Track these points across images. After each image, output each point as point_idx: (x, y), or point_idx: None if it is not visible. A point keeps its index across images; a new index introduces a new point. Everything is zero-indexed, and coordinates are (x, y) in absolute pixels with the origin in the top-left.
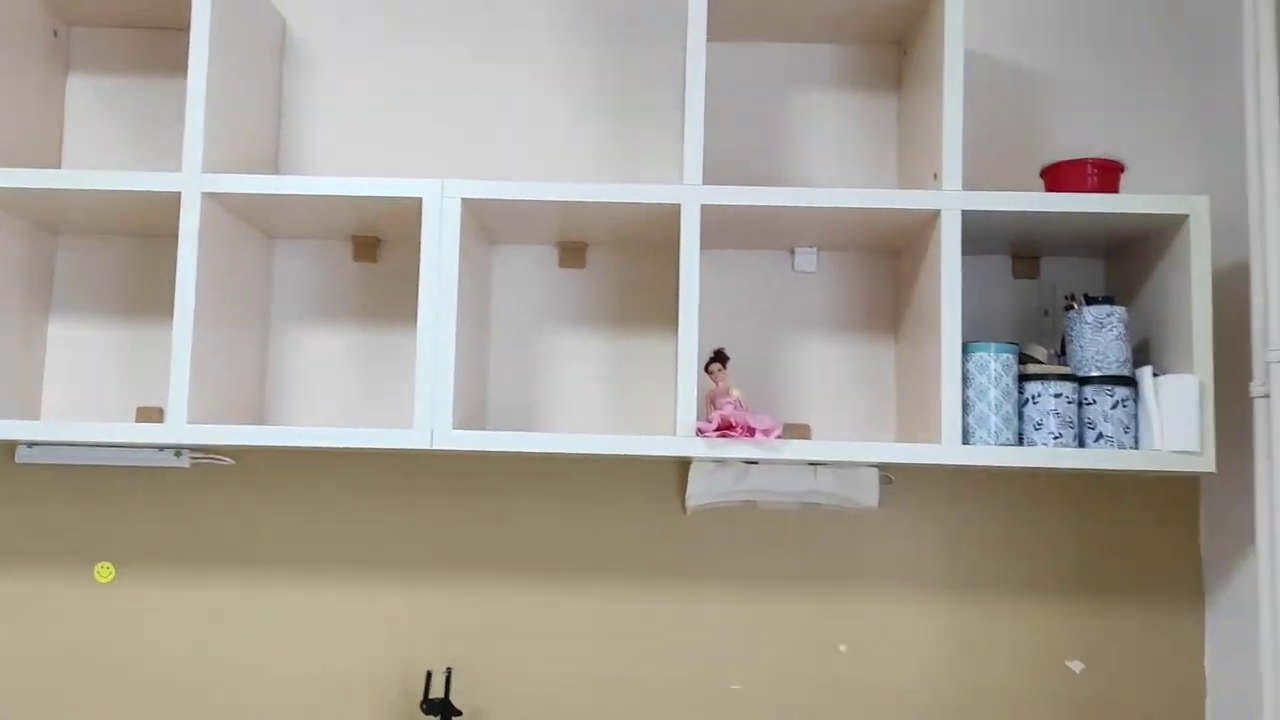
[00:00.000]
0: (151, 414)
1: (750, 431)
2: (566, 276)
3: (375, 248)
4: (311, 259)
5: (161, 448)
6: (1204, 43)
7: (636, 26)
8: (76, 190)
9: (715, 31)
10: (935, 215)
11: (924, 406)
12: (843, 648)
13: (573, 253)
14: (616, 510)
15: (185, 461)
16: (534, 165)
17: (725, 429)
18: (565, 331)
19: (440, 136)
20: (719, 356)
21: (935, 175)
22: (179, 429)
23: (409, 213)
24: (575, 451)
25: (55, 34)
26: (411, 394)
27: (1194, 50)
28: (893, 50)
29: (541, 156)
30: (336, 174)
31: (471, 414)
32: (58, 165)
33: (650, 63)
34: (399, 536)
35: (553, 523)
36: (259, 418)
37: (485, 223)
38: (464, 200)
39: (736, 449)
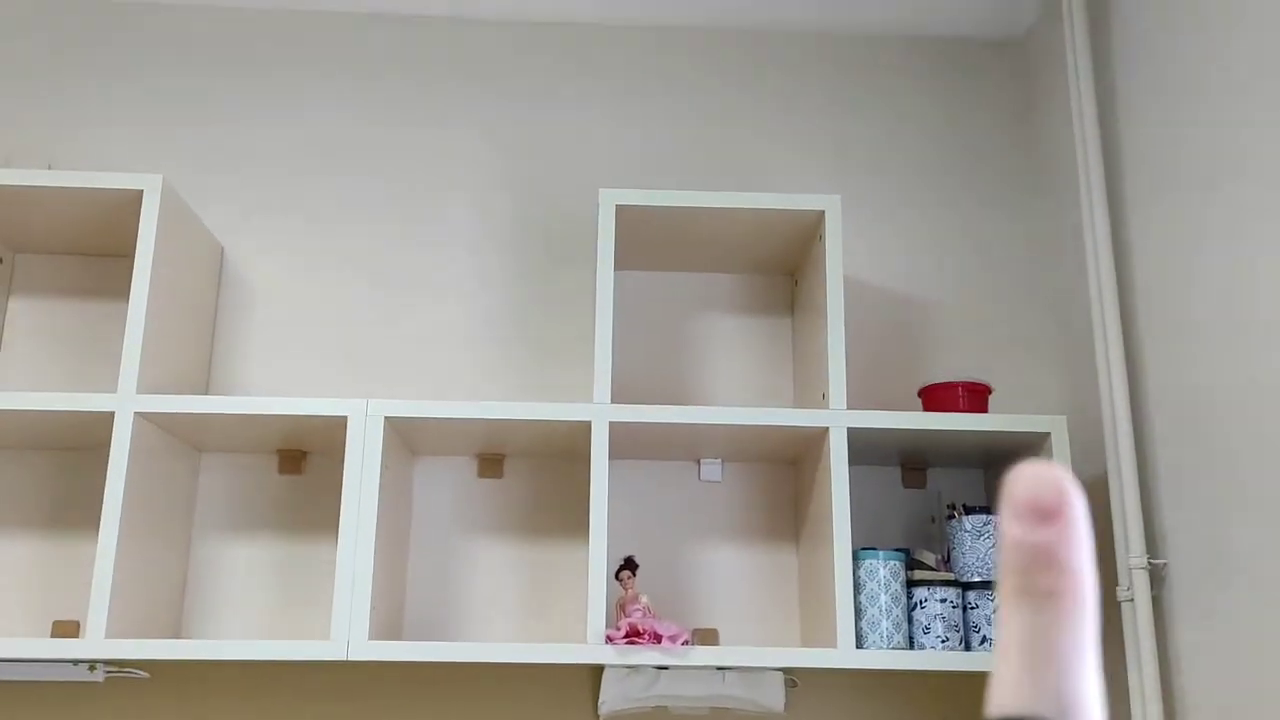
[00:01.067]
0: (67, 627)
1: (657, 638)
2: (485, 486)
3: (301, 460)
4: (238, 471)
5: (76, 662)
6: (1060, 269)
7: (552, 252)
8: (10, 410)
9: (623, 261)
10: (824, 432)
11: (822, 611)
12: None
13: (491, 463)
14: (533, 717)
15: (99, 676)
16: (454, 382)
17: (633, 636)
18: (482, 540)
19: (365, 355)
20: (629, 564)
21: (824, 395)
22: (97, 643)
23: (335, 428)
24: (489, 660)
25: (0, 260)
26: (330, 605)
27: (1051, 276)
28: (786, 280)
29: (461, 374)
30: (265, 391)
31: (389, 624)
32: None
33: (566, 284)
34: None
35: None
36: (176, 630)
37: (408, 437)
38: (387, 418)
39: (644, 655)
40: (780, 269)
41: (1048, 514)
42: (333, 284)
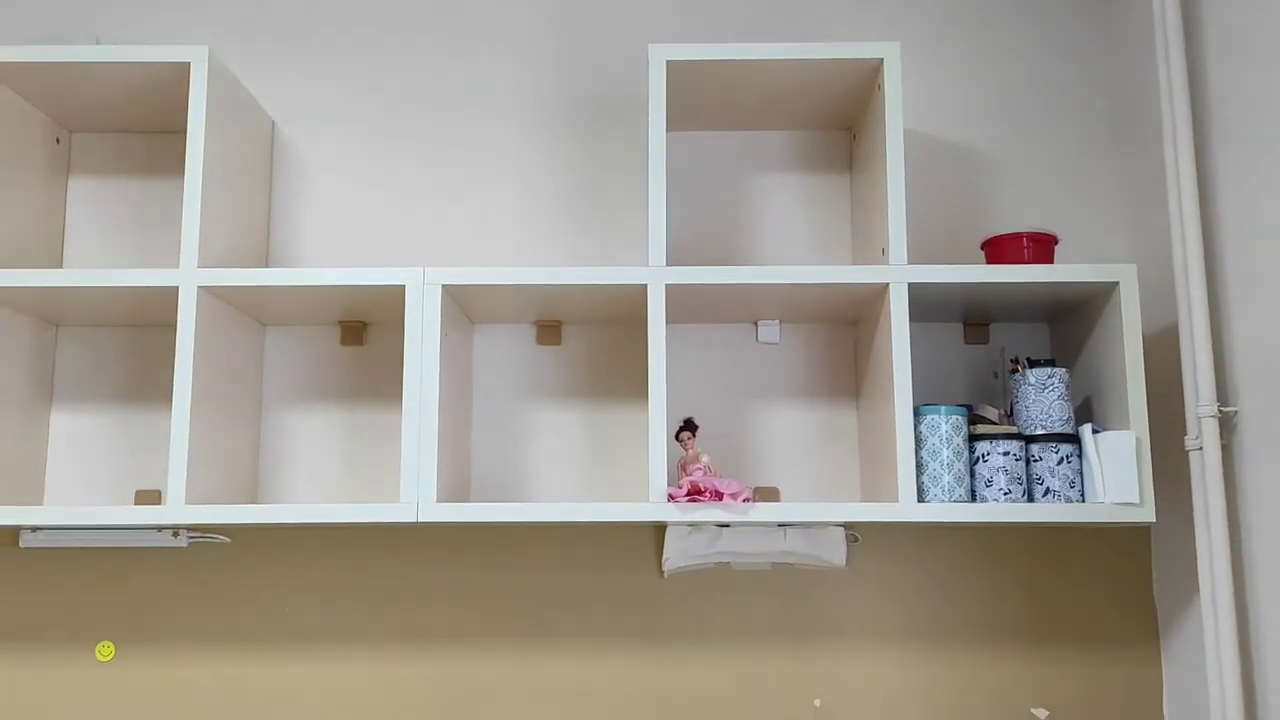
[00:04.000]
0: (150, 497)
1: (719, 496)
2: (543, 353)
3: (362, 331)
4: (301, 344)
5: (160, 528)
6: (1132, 120)
7: (604, 116)
8: (78, 288)
9: (677, 122)
10: (884, 288)
11: (883, 468)
12: (818, 702)
13: (549, 330)
14: (597, 575)
15: (183, 541)
16: (511, 249)
17: (695, 494)
18: (543, 405)
19: (421, 225)
20: (688, 425)
21: (883, 251)
22: (178, 510)
23: (393, 299)
24: (554, 520)
25: (57, 140)
26: (398, 470)
27: (1123, 127)
28: (843, 135)
29: (517, 241)
30: (323, 264)
31: (456, 487)
32: (59, 263)
33: (620, 149)
34: (387, 607)
35: (536, 590)
36: (252, 497)
37: (465, 305)
38: (444, 286)
39: (706, 513)
40: (837, 124)
41: None
42: (384, 155)
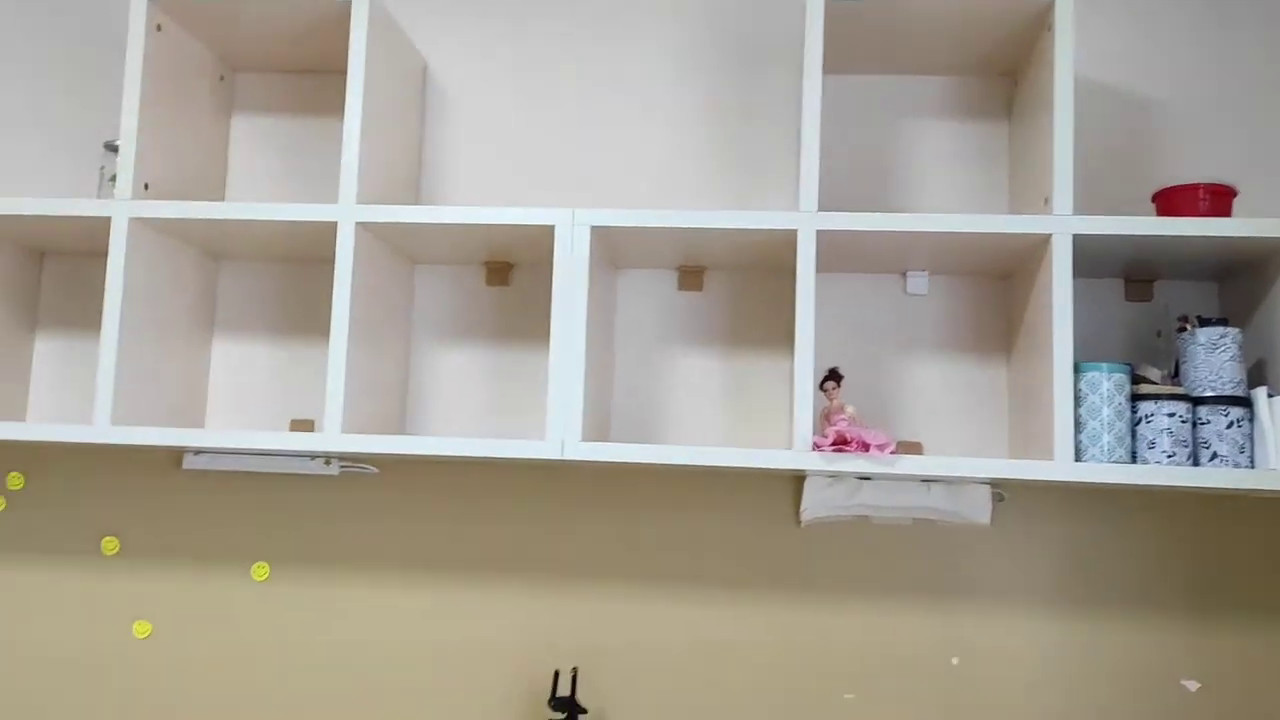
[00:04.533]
0: (303, 425)
1: (865, 446)
2: (685, 299)
3: (507, 272)
4: (448, 283)
5: (314, 456)
6: None
7: (753, 58)
8: (241, 220)
9: (829, 64)
10: (1046, 239)
11: (1036, 425)
12: (955, 661)
13: (691, 276)
14: (734, 523)
15: (334, 470)
16: (656, 193)
17: (840, 444)
18: (683, 351)
19: (568, 166)
20: (833, 375)
21: (1046, 200)
22: (335, 437)
23: (540, 239)
24: (696, 464)
25: (221, 79)
26: (540, 408)
27: None
28: (1003, 81)
29: (663, 184)
30: (469, 203)
31: (596, 428)
32: (222, 198)
33: (766, 92)
34: (529, 543)
35: (673, 533)
36: (400, 430)
37: (610, 249)
38: (592, 228)
39: (851, 463)
40: (997, 69)
41: None
42: (534, 94)
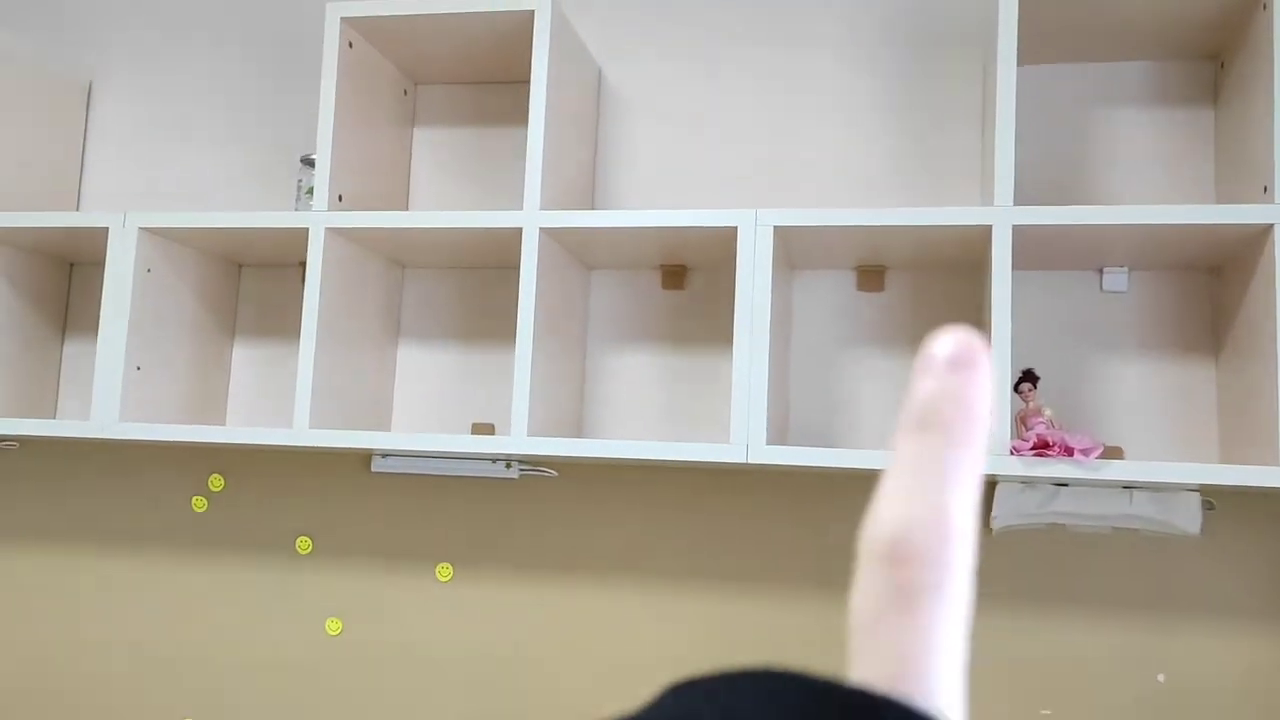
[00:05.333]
0: (484, 429)
1: (1069, 451)
2: (865, 300)
3: (683, 275)
4: (624, 287)
5: (494, 459)
6: None
7: (932, 48)
8: (429, 228)
9: (1019, 55)
10: (1267, 230)
11: (1254, 429)
12: (1161, 677)
13: (872, 276)
14: None
15: (514, 473)
16: (833, 191)
17: (1042, 448)
18: (864, 353)
19: (742, 167)
20: (1028, 376)
21: (1265, 189)
22: (519, 440)
23: (718, 242)
24: (884, 469)
25: (405, 92)
26: (718, 413)
27: None
28: (1207, 65)
29: (840, 183)
30: (643, 207)
31: (777, 432)
32: (405, 208)
33: (947, 84)
34: (707, 548)
35: (854, 539)
36: (578, 434)
37: (787, 249)
38: (775, 228)
39: (1054, 468)
40: (1202, 52)
41: (961, 364)
42: (706, 95)
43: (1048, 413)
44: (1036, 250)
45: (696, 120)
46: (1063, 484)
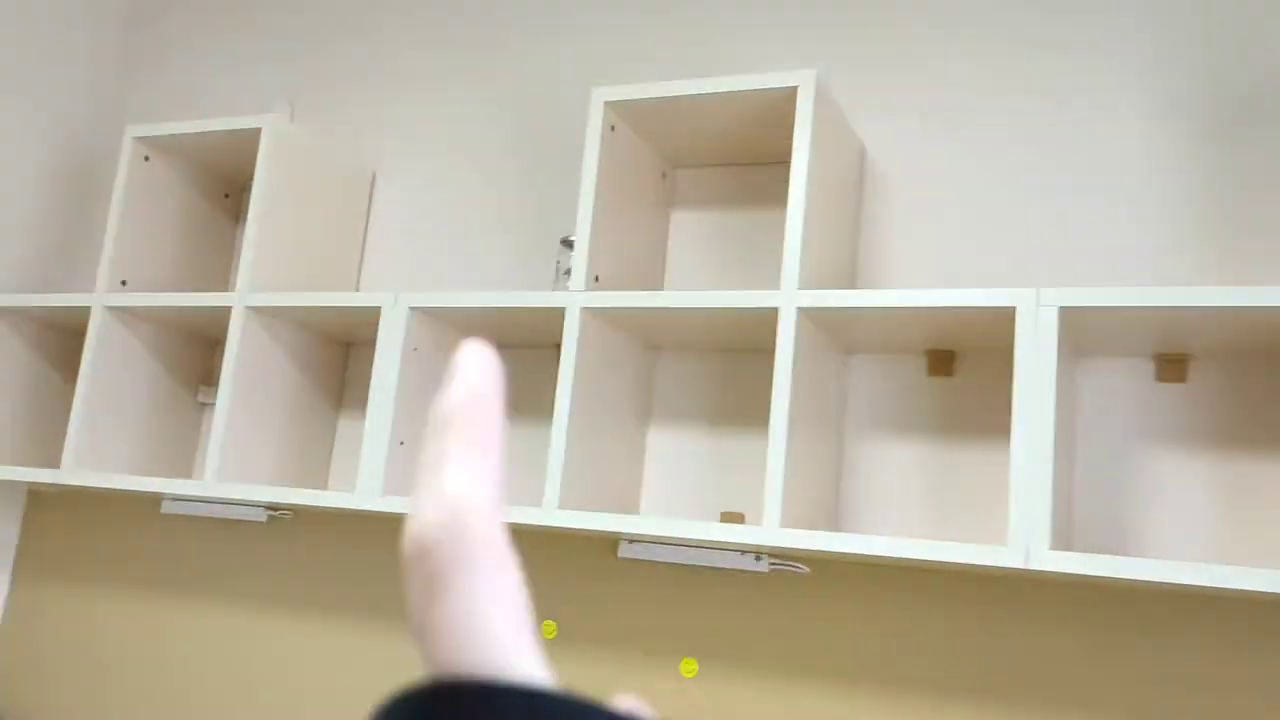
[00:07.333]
0: (733, 517)
1: None
2: (1165, 391)
3: (951, 361)
4: (885, 373)
5: (744, 550)
6: None
7: (1243, 113)
8: (684, 309)
9: None
10: None
11: None
12: None
13: (1173, 365)
14: (1221, 656)
15: (764, 566)
16: (1119, 269)
17: None
18: (1164, 451)
19: (1016, 245)
20: None
21: None
22: (772, 531)
23: (990, 324)
24: (1191, 584)
25: (663, 175)
26: (988, 511)
27: None
28: None
29: (1125, 260)
30: (909, 287)
31: (1059, 536)
32: (661, 289)
33: (1261, 152)
34: (974, 659)
35: (1146, 664)
36: (834, 528)
37: (1074, 333)
38: (1060, 309)
39: None
40: None
41: (482, 374)
42: (974, 173)
43: None
44: None
45: (966, 195)
46: None
